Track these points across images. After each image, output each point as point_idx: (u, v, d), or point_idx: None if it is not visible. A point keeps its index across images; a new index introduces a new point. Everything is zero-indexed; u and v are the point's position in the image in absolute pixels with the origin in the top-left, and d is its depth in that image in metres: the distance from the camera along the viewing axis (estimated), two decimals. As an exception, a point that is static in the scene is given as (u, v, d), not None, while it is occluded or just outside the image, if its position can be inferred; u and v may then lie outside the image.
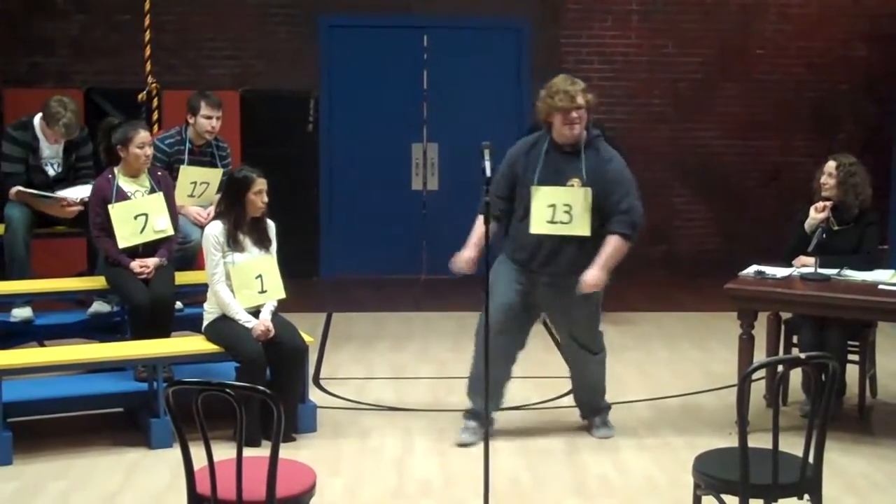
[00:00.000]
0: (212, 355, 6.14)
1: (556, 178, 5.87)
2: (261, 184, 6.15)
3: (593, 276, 5.83)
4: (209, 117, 7.28)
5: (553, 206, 5.84)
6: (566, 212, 5.84)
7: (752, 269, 6.48)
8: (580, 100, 5.82)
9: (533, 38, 10.76)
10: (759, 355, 6.37)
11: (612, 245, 5.88)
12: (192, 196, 7.27)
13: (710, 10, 10.79)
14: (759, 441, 4.34)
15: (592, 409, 6.35)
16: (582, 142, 5.88)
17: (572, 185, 5.84)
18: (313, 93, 10.59)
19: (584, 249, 5.89)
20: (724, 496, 4.24)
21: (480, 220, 5.82)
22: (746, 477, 4.04)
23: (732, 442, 4.71)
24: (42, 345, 7.31)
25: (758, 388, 6.50)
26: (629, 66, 10.81)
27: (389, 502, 5.35)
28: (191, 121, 7.31)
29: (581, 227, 5.86)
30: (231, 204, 6.15)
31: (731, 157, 10.96)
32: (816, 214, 6.51)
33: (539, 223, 5.88)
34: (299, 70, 10.50)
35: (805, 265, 6.42)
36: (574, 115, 5.80)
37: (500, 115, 10.67)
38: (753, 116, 10.89)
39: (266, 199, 6.14)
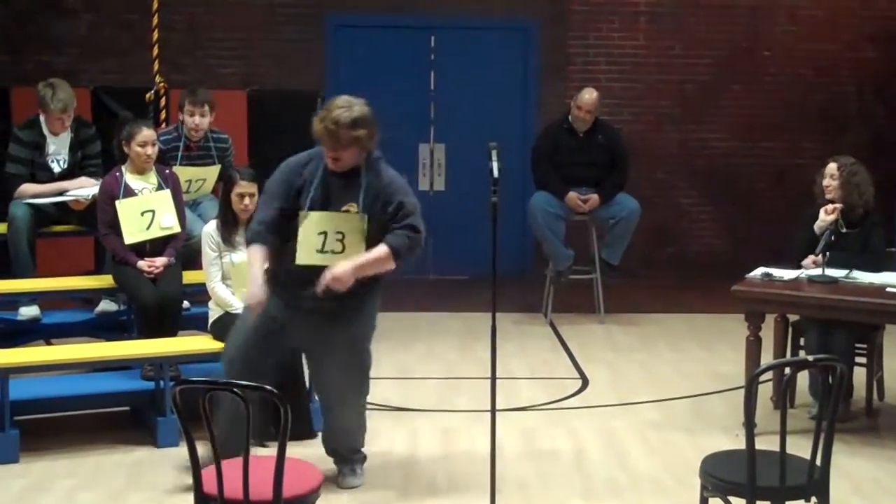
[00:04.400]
0: (219, 354, 6.13)
1: (329, 202, 5.15)
2: (243, 186, 6.09)
3: (343, 270, 5.03)
4: (192, 114, 7.34)
5: (324, 233, 5.12)
6: (338, 240, 5.13)
7: (759, 271, 6.47)
8: (345, 138, 5.06)
9: (540, 38, 10.76)
10: (767, 357, 6.36)
11: (377, 253, 5.11)
12: (187, 192, 7.30)
13: (717, 12, 10.77)
14: (767, 443, 4.33)
15: (344, 456, 5.55)
16: (361, 166, 5.20)
17: (348, 211, 5.15)
18: (320, 92, 10.55)
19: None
20: (731, 498, 4.23)
21: (255, 249, 5.22)
22: (754, 479, 4.03)
23: (740, 444, 4.71)
24: (49, 343, 7.32)
25: (765, 391, 6.49)
26: (636, 67, 10.80)
27: (396, 503, 5.34)
28: (181, 118, 7.39)
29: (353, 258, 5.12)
30: (224, 202, 6.16)
31: (738, 158, 10.95)
32: (826, 216, 6.50)
33: (306, 253, 5.13)
34: (307, 70, 10.50)
35: (816, 264, 6.41)
36: (335, 154, 5.11)
37: (508, 116, 10.68)
38: (761, 118, 10.88)
39: (248, 202, 6.04)
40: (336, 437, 5.52)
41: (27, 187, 7.31)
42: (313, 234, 5.12)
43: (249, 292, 5.18)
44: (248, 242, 5.33)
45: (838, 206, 6.52)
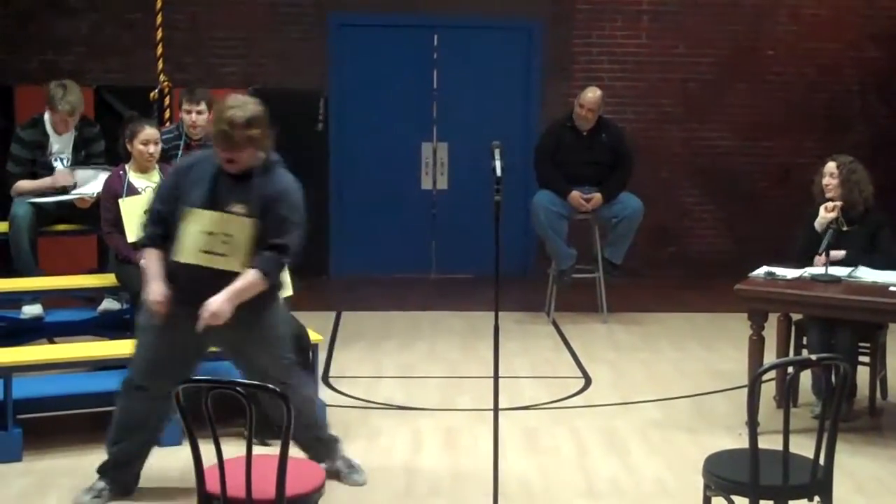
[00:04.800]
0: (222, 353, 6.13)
1: (217, 202, 4.97)
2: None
3: (218, 304, 4.88)
4: (189, 112, 7.35)
5: (210, 233, 4.95)
6: (224, 242, 4.96)
7: (762, 270, 6.47)
8: (240, 138, 4.87)
9: (543, 37, 10.75)
10: (769, 356, 6.36)
11: (248, 280, 4.92)
12: None
13: (720, 11, 10.77)
14: (770, 442, 4.33)
15: (322, 450, 5.43)
16: (254, 167, 5.01)
17: (235, 213, 4.97)
18: (323, 91, 10.59)
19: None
20: (734, 497, 4.23)
21: (147, 251, 5.13)
22: (757, 478, 4.03)
23: (742, 443, 4.71)
24: (52, 342, 7.33)
25: (768, 390, 6.48)
26: (639, 66, 10.80)
27: (398, 501, 5.34)
28: (181, 116, 7.42)
29: (238, 262, 4.95)
30: None
31: (741, 157, 10.95)
32: (826, 214, 6.51)
33: (189, 251, 4.97)
34: (309, 68, 10.51)
35: (824, 263, 6.39)
36: (229, 155, 4.92)
37: (511, 115, 10.69)
38: (764, 117, 10.88)
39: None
40: (302, 433, 5.27)
41: (22, 184, 7.35)
42: (198, 233, 4.96)
43: (149, 290, 5.04)
44: (139, 246, 5.29)
45: (838, 203, 6.53)
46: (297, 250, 5.05)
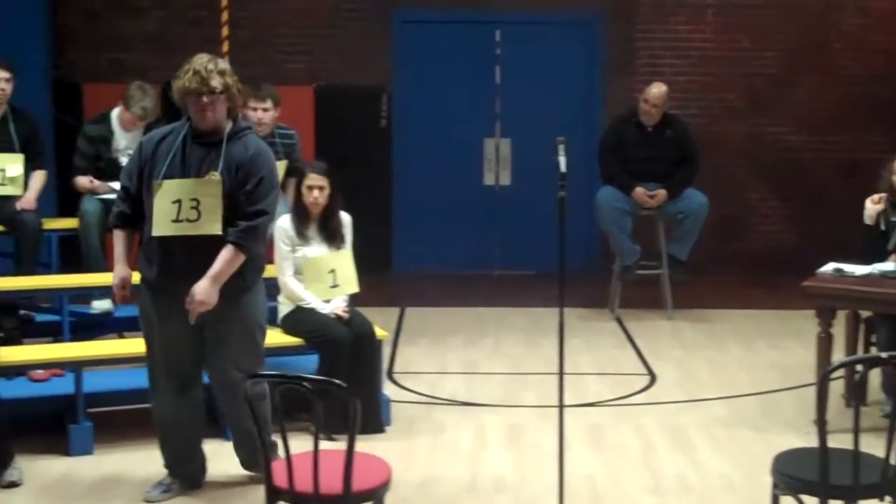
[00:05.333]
0: (289, 348, 6.18)
1: (187, 171, 4.91)
2: (312, 178, 6.13)
3: (203, 289, 4.85)
4: (254, 109, 7.39)
5: (178, 201, 4.86)
6: (193, 207, 4.85)
7: (830, 267, 6.39)
8: (215, 83, 4.90)
9: (606, 32, 10.71)
10: (838, 354, 6.29)
11: (225, 258, 4.87)
12: None
13: (786, 4, 10.65)
14: (839, 441, 4.28)
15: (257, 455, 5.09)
16: (224, 132, 4.97)
17: (208, 179, 4.90)
18: (386, 88, 10.63)
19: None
20: (803, 496, 4.19)
21: (115, 232, 5.12)
22: (826, 477, 3.99)
23: (810, 441, 4.66)
24: (121, 336, 7.43)
25: (836, 388, 6.41)
26: (704, 60, 10.72)
27: (463, 497, 5.35)
28: (246, 114, 7.46)
29: (210, 224, 4.87)
30: (296, 196, 6.22)
31: (807, 152, 10.83)
32: (873, 206, 6.43)
33: (161, 223, 4.87)
34: (372, 65, 10.55)
35: None
36: (205, 99, 4.88)
37: (573, 110, 10.66)
38: (830, 111, 10.75)
39: (318, 195, 6.09)
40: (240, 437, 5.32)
41: (80, 180, 7.47)
42: (167, 204, 4.87)
43: (114, 273, 5.11)
44: (110, 226, 5.28)
45: (883, 195, 6.44)
46: (269, 216, 5.01)
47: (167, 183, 4.89)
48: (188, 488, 5.34)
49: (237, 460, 5.51)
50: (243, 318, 5.09)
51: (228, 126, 5.00)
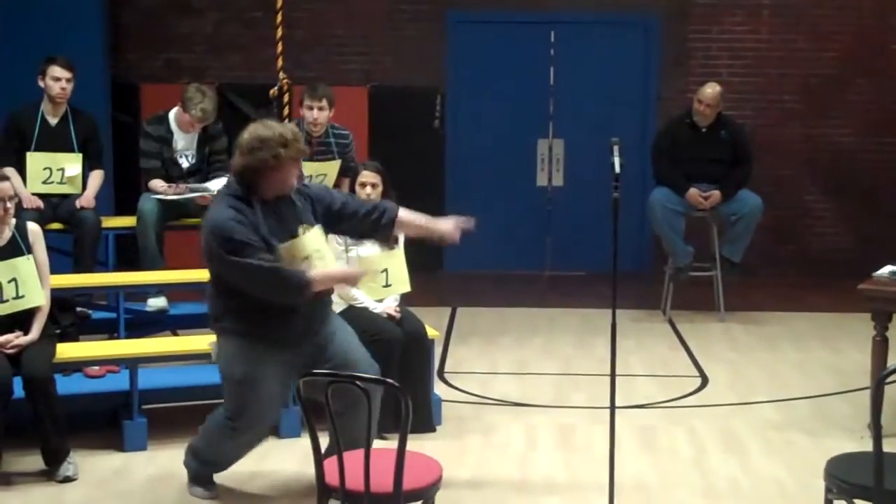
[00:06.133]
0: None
1: (284, 230, 4.88)
2: (365, 175, 6.17)
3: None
4: (310, 108, 7.45)
5: (306, 258, 4.89)
6: (318, 258, 4.91)
7: (886, 270, 6.32)
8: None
9: (661, 33, 10.66)
10: (893, 358, 6.22)
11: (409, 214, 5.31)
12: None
13: (843, 4, 10.54)
14: (893, 446, 4.25)
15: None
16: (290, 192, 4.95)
17: (305, 232, 4.92)
18: (440, 88, 10.65)
19: None
20: (857, 502, 4.15)
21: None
22: (881, 482, 3.95)
23: (864, 446, 4.62)
24: (176, 334, 7.51)
25: (891, 392, 6.34)
26: (760, 61, 10.63)
27: (513, 497, 5.36)
28: (301, 113, 7.51)
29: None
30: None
31: (864, 154, 10.71)
32: None
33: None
34: (427, 65, 10.57)
35: None
36: (298, 168, 4.99)
37: (628, 112, 10.61)
38: (887, 113, 10.61)
39: (370, 192, 6.10)
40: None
41: (155, 183, 7.50)
42: (300, 264, 4.85)
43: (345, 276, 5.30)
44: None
45: None
46: None
47: (286, 246, 4.85)
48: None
49: (287, 458, 5.54)
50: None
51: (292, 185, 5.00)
